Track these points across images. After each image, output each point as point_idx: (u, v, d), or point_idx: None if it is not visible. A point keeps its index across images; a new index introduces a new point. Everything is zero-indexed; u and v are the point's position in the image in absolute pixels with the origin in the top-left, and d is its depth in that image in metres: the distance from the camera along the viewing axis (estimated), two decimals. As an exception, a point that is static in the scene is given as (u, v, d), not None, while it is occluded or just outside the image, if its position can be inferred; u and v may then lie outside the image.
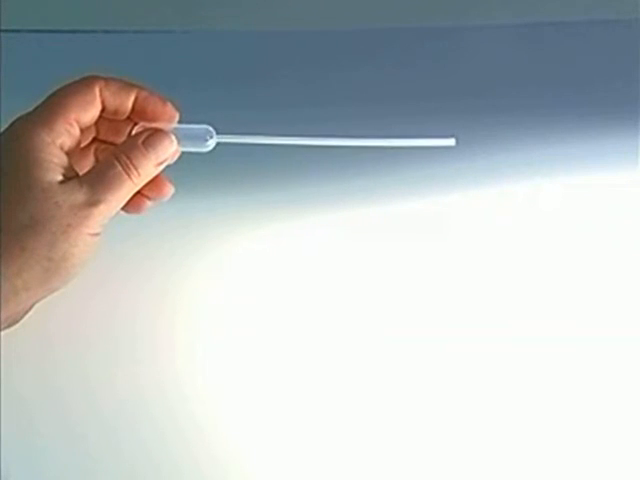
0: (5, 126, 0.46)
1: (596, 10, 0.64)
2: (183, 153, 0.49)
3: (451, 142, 0.50)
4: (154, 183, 0.48)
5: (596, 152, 0.60)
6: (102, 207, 0.45)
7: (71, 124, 0.46)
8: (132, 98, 0.48)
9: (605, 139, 0.61)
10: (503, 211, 0.58)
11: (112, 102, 0.47)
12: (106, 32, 0.63)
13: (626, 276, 0.55)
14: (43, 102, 0.46)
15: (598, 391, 0.50)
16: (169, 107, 0.48)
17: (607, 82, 0.62)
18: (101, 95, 0.47)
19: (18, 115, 0.46)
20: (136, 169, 0.46)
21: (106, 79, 0.47)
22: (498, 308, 0.53)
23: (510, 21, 0.64)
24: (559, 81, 0.62)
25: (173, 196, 0.49)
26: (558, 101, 0.61)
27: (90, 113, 0.47)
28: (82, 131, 0.47)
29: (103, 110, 0.48)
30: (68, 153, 0.46)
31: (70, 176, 0.45)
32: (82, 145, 0.49)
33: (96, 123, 0.48)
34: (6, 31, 0.61)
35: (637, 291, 0.55)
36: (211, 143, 0.49)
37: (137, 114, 0.48)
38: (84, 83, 0.47)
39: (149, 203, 0.49)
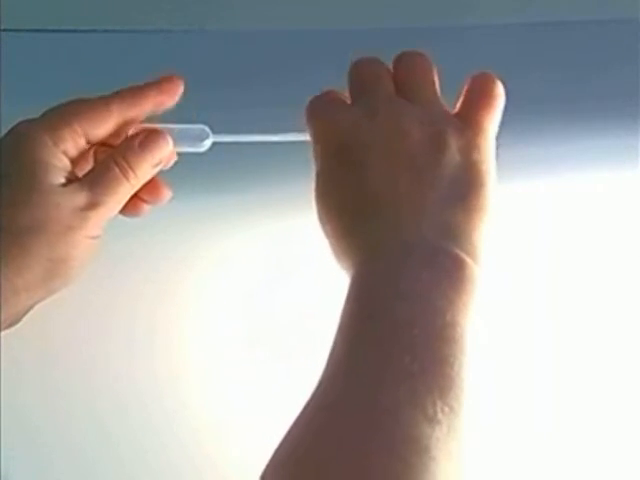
0: (5, 125, 0.46)
1: (596, 10, 0.64)
2: (180, 153, 0.49)
3: None
4: (151, 187, 0.48)
5: (596, 151, 0.60)
6: (101, 209, 0.45)
7: (77, 132, 0.46)
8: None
9: (605, 138, 0.61)
10: (502, 211, 0.58)
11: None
12: (106, 32, 0.63)
13: (626, 276, 0.55)
14: (53, 108, 0.46)
15: (596, 391, 0.51)
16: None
17: (607, 82, 0.62)
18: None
19: (18, 115, 0.46)
20: (133, 170, 0.46)
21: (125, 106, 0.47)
22: (497, 308, 0.53)
23: (510, 21, 0.64)
24: (559, 81, 0.62)
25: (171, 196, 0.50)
26: (558, 101, 0.61)
27: (102, 130, 0.47)
28: (89, 144, 0.47)
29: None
30: (71, 159, 0.46)
31: (72, 179, 0.45)
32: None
33: None
34: (6, 31, 0.61)
35: (637, 291, 0.55)
36: (207, 143, 0.49)
37: None
38: (101, 100, 0.47)
39: (147, 207, 0.49)
